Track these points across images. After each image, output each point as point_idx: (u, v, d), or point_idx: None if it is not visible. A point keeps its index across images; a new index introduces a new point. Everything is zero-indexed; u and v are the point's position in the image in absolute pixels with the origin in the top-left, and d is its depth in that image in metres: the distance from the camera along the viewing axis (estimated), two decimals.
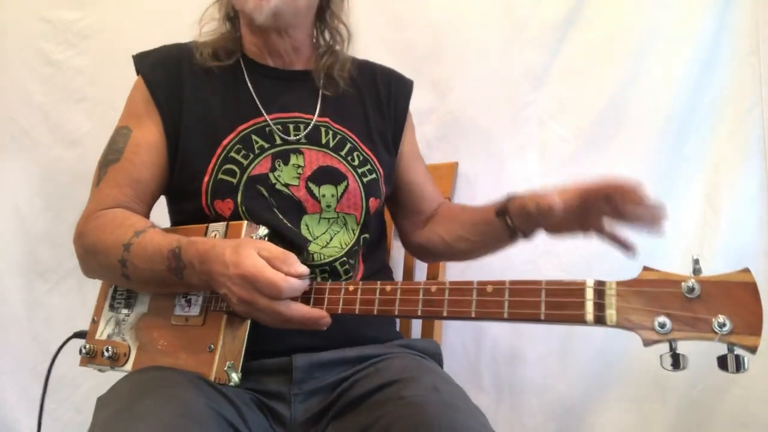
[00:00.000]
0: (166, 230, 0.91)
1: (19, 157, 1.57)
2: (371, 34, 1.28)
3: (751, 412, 1.10)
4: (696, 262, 0.55)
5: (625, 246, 0.77)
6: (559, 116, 1.29)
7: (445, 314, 0.65)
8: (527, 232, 0.88)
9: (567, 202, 0.77)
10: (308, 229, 0.93)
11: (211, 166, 0.92)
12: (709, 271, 0.55)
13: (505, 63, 1.33)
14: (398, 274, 1.28)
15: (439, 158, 1.21)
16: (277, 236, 0.89)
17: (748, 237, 1.15)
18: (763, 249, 1.14)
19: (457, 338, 1.32)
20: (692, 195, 1.19)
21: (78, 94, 1.56)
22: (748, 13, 1.16)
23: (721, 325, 0.51)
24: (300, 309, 0.73)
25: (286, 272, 0.72)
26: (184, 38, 1.03)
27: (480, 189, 1.35)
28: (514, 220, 0.87)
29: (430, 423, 0.70)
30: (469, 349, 1.33)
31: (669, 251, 1.20)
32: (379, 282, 0.71)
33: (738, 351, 0.51)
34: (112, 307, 0.95)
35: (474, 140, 1.35)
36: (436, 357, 0.99)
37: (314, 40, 1.05)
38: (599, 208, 0.76)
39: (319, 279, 0.92)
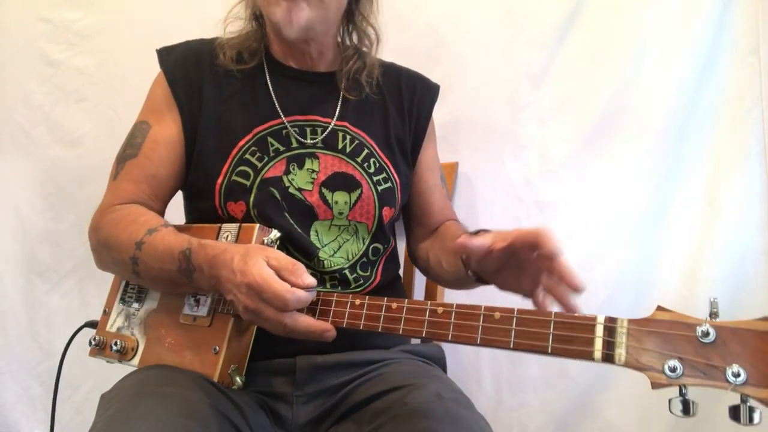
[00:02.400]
0: (179, 228, 0.92)
1: (19, 157, 1.56)
2: None
3: None
4: (713, 304, 0.53)
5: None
6: (559, 116, 1.29)
7: (449, 338, 0.64)
8: (480, 275, 0.78)
9: (495, 244, 0.68)
10: (317, 236, 0.92)
11: (225, 167, 0.91)
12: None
13: (505, 63, 1.33)
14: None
15: (440, 158, 1.21)
16: (288, 240, 0.89)
17: (748, 237, 1.15)
18: (763, 249, 1.14)
19: None
20: (692, 195, 1.19)
21: (78, 94, 1.55)
22: (748, 13, 1.16)
23: (735, 375, 0.48)
24: (305, 321, 0.72)
25: (294, 283, 0.71)
26: (185, 37, 1.02)
27: (480, 189, 1.35)
28: (469, 258, 0.80)
29: (433, 431, 0.70)
30: (470, 349, 1.33)
31: (669, 252, 1.20)
32: (386, 299, 0.70)
33: (752, 403, 0.49)
34: (123, 301, 0.96)
35: (474, 140, 1.35)
36: (440, 363, 0.99)
37: (340, 41, 1.04)
38: (529, 261, 0.68)
39: (328, 285, 0.92)
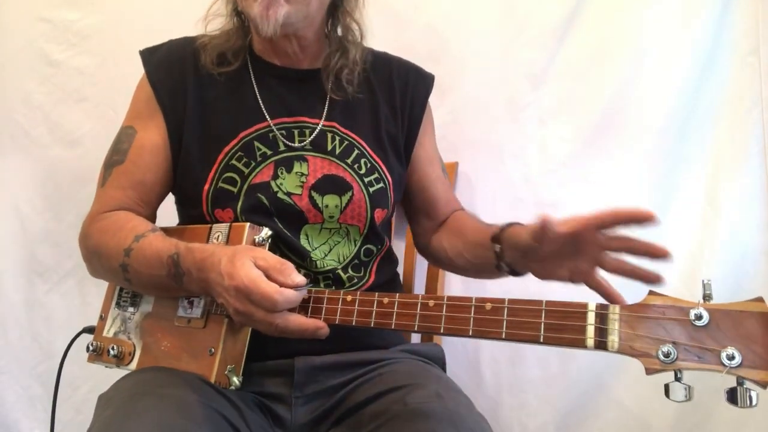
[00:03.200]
0: (172, 230, 0.91)
1: (19, 157, 1.56)
2: (370, 33, 1.29)
3: (751, 412, 1.10)
4: (707, 287, 0.52)
5: (609, 296, 0.68)
6: (559, 116, 1.29)
7: (442, 330, 0.64)
8: (515, 266, 0.79)
9: (562, 228, 0.67)
10: (308, 239, 0.91)
11: (211, 174, 0.90)
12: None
13: (505, 63, 1.32)
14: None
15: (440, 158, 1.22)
16: (279, 240, 0.88)
17: (748, 237, 1.14)
18: (763, 249, 1.14)
19: (457, 338, 1.32)
20: (692, 195, 1.19)
21: (78, 94, 1.55)
22: (748, 13, 1.16)
23: (730, 358, 0.48)
24: (296, 320, 0.72)
25: (282, 283, 0.70)
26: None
27: (480, 189, 1.35)
28: (504, 249, 0.79)
29: (433, 431, 0.69)
30: (469, 349, 1.33)
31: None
32: (377, 294, 0.70)
33: (748, 385, 0.48)
34: (118, 305, 0.95)
35: (474, 140, 1.35)
36: (440, 362, 0.98)
37: (326, 34, 1.01)
38: (592, 242, 0.67)
39: (322, 285, 0.91)
